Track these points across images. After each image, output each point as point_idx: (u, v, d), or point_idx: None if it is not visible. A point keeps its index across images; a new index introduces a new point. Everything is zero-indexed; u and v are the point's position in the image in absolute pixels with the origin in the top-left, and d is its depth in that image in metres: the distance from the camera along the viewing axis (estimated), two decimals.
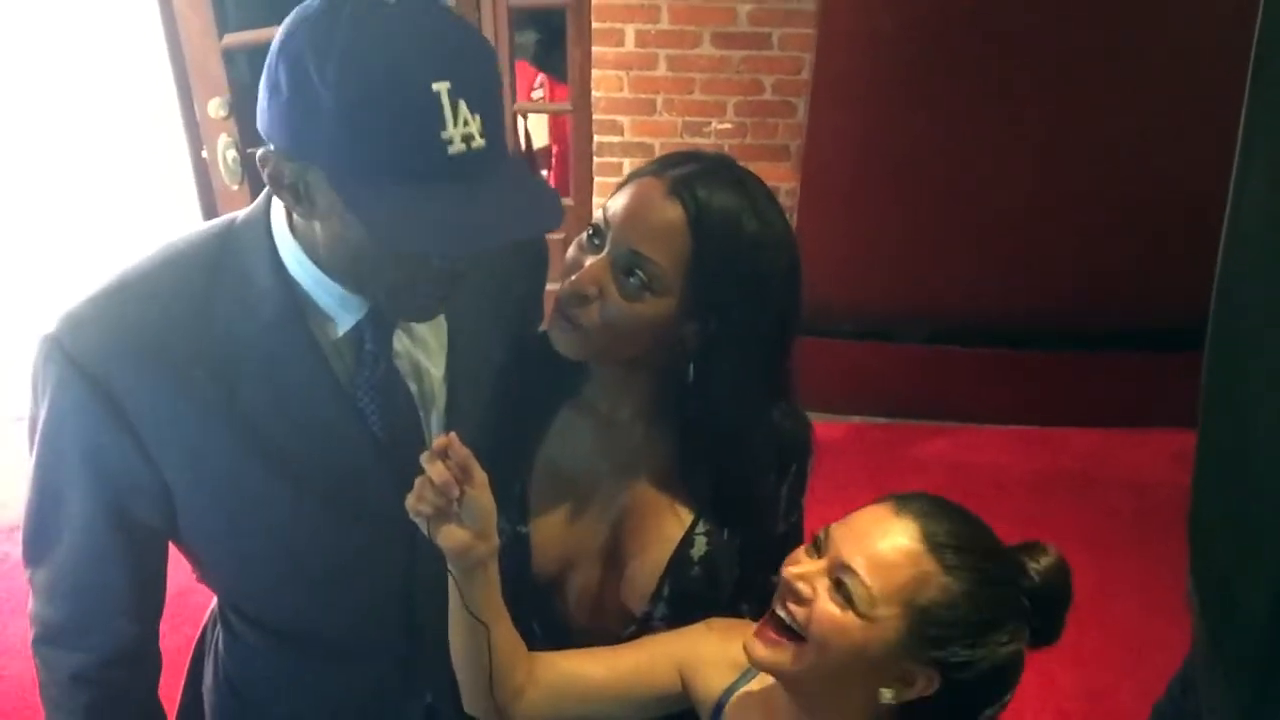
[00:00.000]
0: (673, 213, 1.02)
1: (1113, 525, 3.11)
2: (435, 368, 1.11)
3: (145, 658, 1.16)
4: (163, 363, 0.95)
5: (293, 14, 0.86)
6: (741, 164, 1.10)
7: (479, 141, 0.85)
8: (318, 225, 0.94)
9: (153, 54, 3.02)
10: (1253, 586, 1.15)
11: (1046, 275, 3.44)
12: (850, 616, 0.93)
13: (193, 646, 1.35)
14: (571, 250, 1.08)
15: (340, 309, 1.00)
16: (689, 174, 1.03)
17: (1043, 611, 0.97)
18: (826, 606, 0.94)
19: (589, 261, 1.05)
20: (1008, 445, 3.53)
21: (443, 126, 0.83)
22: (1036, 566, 0.98)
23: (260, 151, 0.89)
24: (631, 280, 1.03)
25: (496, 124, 0.88)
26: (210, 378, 0.97)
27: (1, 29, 2.92)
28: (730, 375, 1.09)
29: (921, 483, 1.06)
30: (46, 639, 1.11)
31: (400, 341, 1.07)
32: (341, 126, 0.83)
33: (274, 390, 0.99)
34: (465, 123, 0.84)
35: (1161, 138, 3.11)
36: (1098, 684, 2.59)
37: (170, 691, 1.28)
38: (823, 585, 0.96)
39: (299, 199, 0.91)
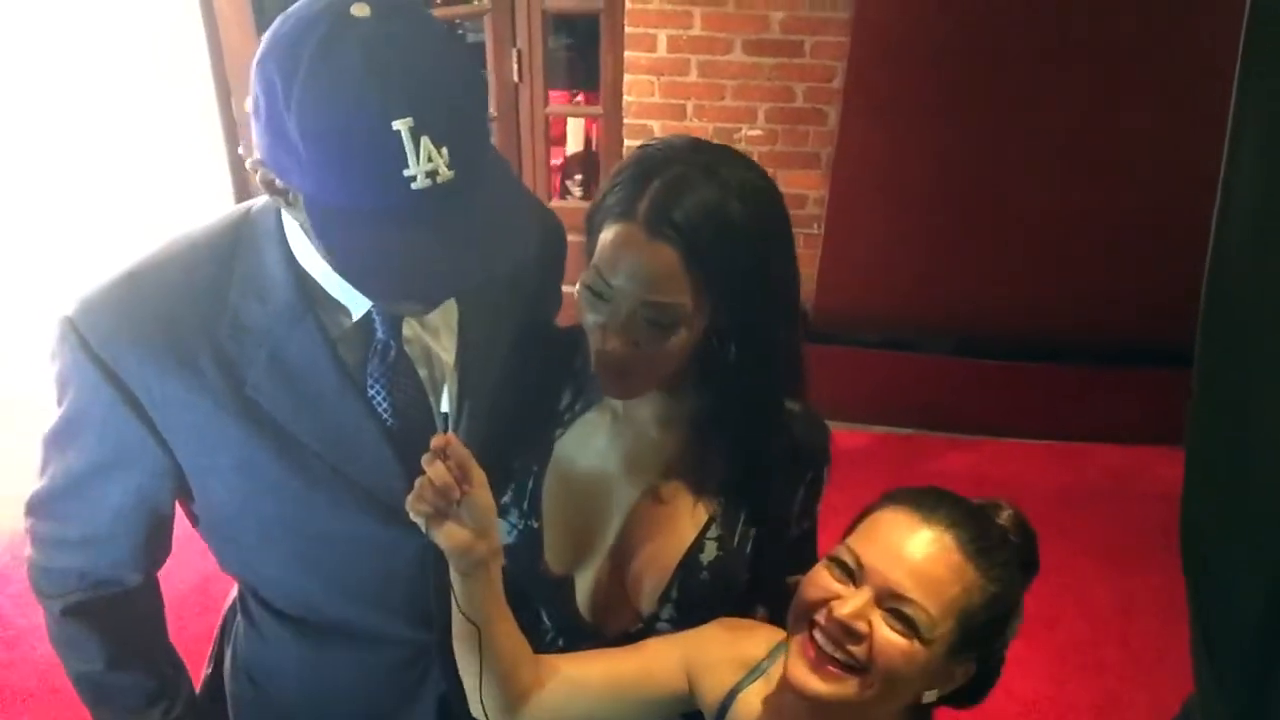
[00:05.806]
0: (664, 254, 0.99)
1: (1137, 540, 3.07)
2: (446, 353, 1.12)
3: (140, 590, 1.17)
4: (173, 349, 0.97)
5: (275, 24, 0.86)
6: (766, 167, 1.07)
7: (446, 173, 0.84)
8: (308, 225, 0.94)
9: (194, 54, 3.10)
10: (1245, 589, 1.14)
11: (1076, 288, 3.40)
12: (915, 645, 0.93)
13: (215, 632, 1.37)
14: (581, 292, 1.05)
15: (350, 298, 1.01)
16: (657, 200, 0.99)
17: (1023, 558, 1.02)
18: (889, 637, 0.94)
19: (604, 320, 1.03)
20: (1033, 459, 3.49)
21: (405, 164, 0.82)
22: (1009, 527, 1.02)
23: (250, 160, 0.91)
24: (659, 325, 1.02)
25: (469, 150, 0.87)
26: (220, 365, 0.98)
27: (45, 30, 2.99)
28: (749, 362, 1.09)
29: None
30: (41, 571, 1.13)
31: (410, 327, 1.08)
32: (308, 156, 0.83)
33: (283, 378, 1.01)
34: (429, 158, 0.83)
35: (1195, 149, 3.06)
36: (1114, 697, 2.57)
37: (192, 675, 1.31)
38: (876, 615, 0.95)
39: (289, 204, 0.92)
